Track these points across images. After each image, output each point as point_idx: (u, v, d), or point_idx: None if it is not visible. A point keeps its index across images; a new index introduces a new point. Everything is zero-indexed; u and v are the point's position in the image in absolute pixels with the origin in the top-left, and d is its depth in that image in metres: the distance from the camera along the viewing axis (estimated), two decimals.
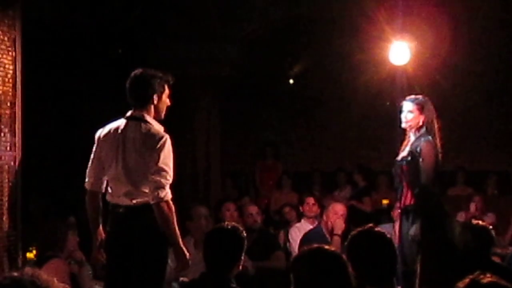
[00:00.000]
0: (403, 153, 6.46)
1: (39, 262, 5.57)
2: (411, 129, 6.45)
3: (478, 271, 2.63)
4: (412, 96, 6.55)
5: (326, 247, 3.71)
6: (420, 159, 6.24)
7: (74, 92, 9.88)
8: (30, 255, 6.04)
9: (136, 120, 4.93)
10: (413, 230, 6.17)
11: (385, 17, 8.77)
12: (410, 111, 6.42)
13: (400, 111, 6.52)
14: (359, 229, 3.89)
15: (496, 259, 6.81)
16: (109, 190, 5.00)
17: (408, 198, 6.37)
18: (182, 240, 5.10)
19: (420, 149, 6.26)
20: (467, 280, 2.56)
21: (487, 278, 2.55)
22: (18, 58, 5.79)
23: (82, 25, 9.27)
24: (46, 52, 8.83)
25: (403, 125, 6.48)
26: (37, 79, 6.65)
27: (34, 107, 6.42)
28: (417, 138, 6.36)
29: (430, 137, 6.32)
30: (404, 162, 6.37)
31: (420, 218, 6.18)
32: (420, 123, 6.39)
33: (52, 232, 5.96)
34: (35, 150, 7.03)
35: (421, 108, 6.41)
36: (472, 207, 9.39)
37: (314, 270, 3.49)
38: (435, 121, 6.42)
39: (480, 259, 5.34)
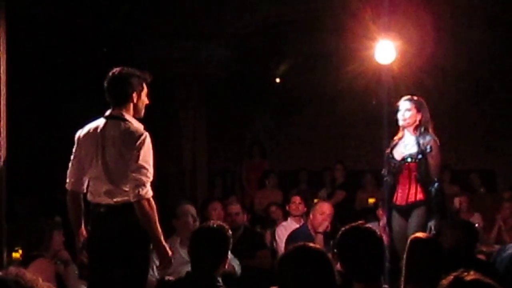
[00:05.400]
0: (405, 151, 6.55)
1: (25, 262, 5.54)
2: (408, 126, 6.62)
3: (462, 268, 2.64)
4: (409, 96, 6.70)
5: (311, 244, 3.71)
6: (430, 157, 6.38)
7: (59, 91, 9.83)
8: (16, 255, 6.02)
9: (115, 119, 4.92)
10: (433, 224, 6.31)
11: (370, 16, 8.78)
12: (408, 110, 6.62)
13: (397, 111, 6.65)
14: (350, 225, 3.91)
15: (481, 257, 6.85)
16: (90, 189, 4.99)
17: (413, 195, 6.48)
18: (168, 239, 5.09)
19: (431, 147, 6.42)
20: (451, 278, 2.57)
21: (471, 276, 2.55)
22: (2, 57, 5.75)
23: (67, 24, 9.23)
24: (29, 51, 8.79)
25: (401, 123, 6.66)
26: (20, 78, 6.61)
27: (19, 107, 6.39)
28: (421, 137, 6.52)
29: (434, 136, 6.48)
30: (412, 160, 6.48)
31: (438, 213, 6.38)
32: (417, 122, 6.59)
33: (37, 231, 5.94)
34: (20, 150, 7.00)
35: (418, 106, 6.62)
36: (456, 202, 9.40)
37: (298, 267, 3.49)
38: (430, 121, 6.58)
39: (465, 256, 5.37)
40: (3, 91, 5.73)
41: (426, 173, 6.48)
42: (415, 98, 6.69)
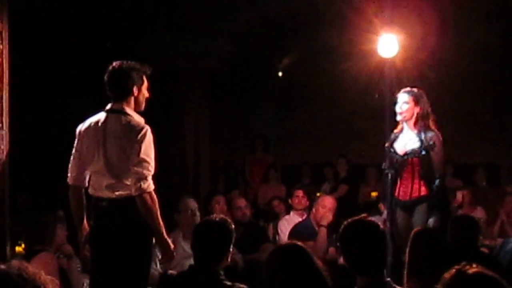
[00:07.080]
0: (407, 147, 6.48)
1: (28, 255, 5.54)
2: (405, 120, 6.51)
3: (465, 261, 2.64)
4: (408, 88, 6.61)
5: (298, 243, 3.72)
6: (433, 153, 6.33)
7: (62, 85, 9.83)
8: (19, 248, 6.03)
9: (116, 113, 4.92)
10: (433, 221, 6.25)
11: (373, 10, 8.75)
12: (406, 102, 6.50)
13: (395, 103, 6.56)
14: (353, 219, 3.90)
15: (484, 250, 6.85)
16: (92, 183, 4.99)
17: (416, 190, 6.43)
18: (171, 233, 5.08)
19: (434, 142, 6.34)
20: (453, 271, 2.57)
21: (473, 269, 2.55)
22: (5, 52, 5.76)
23: (70, 18, 9.23)
24: (32, 45, 8.79)
25: (398, 116, 6.53)
26: (23, 72, 6.61)
27: (22, 101, 6.39)
28: (423, 132, 6.42)
29: (436, 130, 6.41)
30: (416, 155, 6.41)
31: (441, 209, 6.35)
32: (415, 115, 6.45)
33: (40, 225, 5.92)
34: (23, 144, 7.00)
35: (416, 99, 6.49)
36: (459, 195, 9.38)
37: (282, 266, 3.49)
38: (430, 114, 6.49)
39: (468, 250, 5.37)
40: (6, 85, 5.75)
41: (429, 169, 6.42)
42: (415, 90, 6.56)
